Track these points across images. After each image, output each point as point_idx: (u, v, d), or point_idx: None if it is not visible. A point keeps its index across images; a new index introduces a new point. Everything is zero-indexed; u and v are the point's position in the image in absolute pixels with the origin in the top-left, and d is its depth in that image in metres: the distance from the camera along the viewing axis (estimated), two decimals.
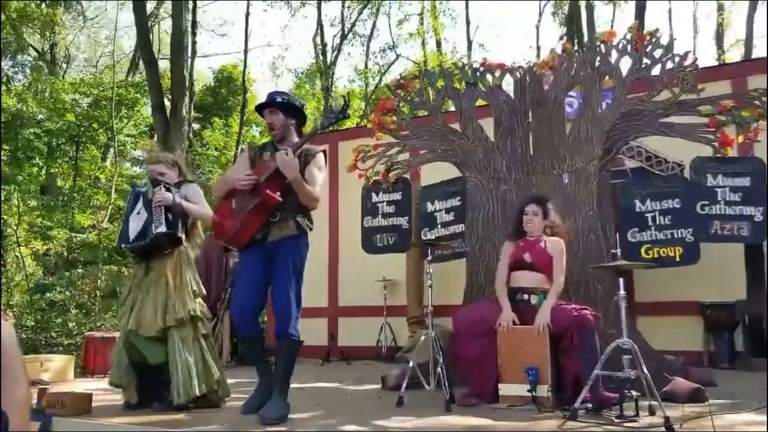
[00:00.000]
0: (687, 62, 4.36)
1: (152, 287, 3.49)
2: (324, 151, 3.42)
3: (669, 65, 4.41)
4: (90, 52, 22.06)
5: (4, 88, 16.20)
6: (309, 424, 3.06)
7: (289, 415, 3.17)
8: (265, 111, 3.39)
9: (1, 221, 13.45)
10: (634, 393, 2.98)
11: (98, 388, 4.22)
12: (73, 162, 16.29)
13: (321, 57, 19.52)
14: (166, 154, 3.93)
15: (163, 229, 3.45)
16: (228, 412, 3.43)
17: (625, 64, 4.56)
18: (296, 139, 3.37)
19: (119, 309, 3.65)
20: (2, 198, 13.61)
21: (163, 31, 19.39)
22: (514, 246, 3.78)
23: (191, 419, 3.19)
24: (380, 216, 5.53)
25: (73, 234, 13.92)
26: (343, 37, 19.79)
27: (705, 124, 4.37)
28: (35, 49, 19.35)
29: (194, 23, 15.23)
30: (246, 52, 17.71)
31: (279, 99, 3.42)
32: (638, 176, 5.67)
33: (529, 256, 3.67)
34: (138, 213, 3.56)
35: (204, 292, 3.70)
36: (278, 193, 3.18)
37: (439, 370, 3.63)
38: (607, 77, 4.66)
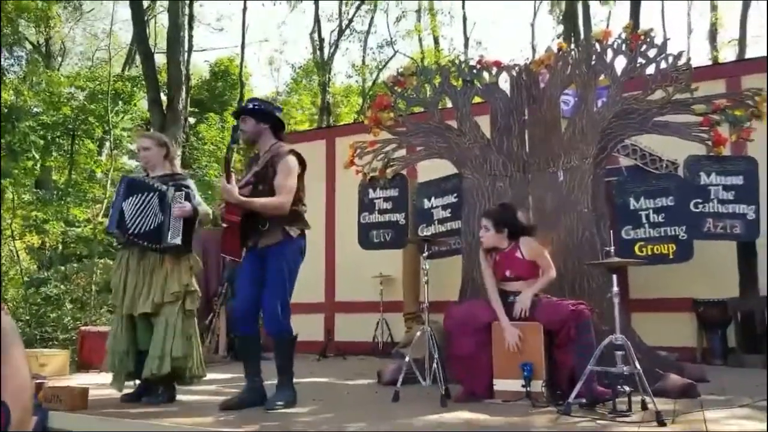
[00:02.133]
0: (681, 62, 4.40)
1: (150, 269, 3.56)
2: (292, 150, 3.47)
3: (663, 65, 4.44)
4: (86, 46, 21.95)
5: None
6: (305, 418, 3.08)
7: (285, 410, 3.22)
8: (241, 117, 3.53)
9: None
10: (626, 388, 3.02)
11: (94, 383, 4.24)
12: (69, 156, 16.24)
13: (318, 53, 19.49)
14: (156, 133, 4.01)
15: (178, 241, 3.54)
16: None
17: (620, 64, 4.59)
18: (272, 141, 3.52)
19: (114, 294, 3.66)
20: None
21: (159, 24, 19.31)
22: (491, 260, 3.72)
23: (187, 412, 3.21)
24: (377, 212, 5.54)
25: (68, 228, 13.88)
26: (341, 32, 19.75)
27: (699, 123, 4.41)
28: (30, 42, 19.23)
29: (191, 17, 15.17)
30: (243, 46, 17.68)
31: (250, 106, 3.56)
32: (633, 174, 5.71)
33: (511, 272, 3.64)
34: (155, 214, 3.55)
35: (201, 266, 3.78)
36: (236, 213, 3.30)
37: (434, 365, 3.66)
38: (602, 76, 4.69)
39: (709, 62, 15.76)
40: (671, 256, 4.69)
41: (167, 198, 3.57)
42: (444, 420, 2.99)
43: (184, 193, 3.62)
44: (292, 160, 3.39)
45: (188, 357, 3.55)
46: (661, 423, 2.73)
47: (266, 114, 3.53)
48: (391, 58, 20.73)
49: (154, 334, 3.48)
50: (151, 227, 3.54)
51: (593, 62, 4.65)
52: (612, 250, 3.36)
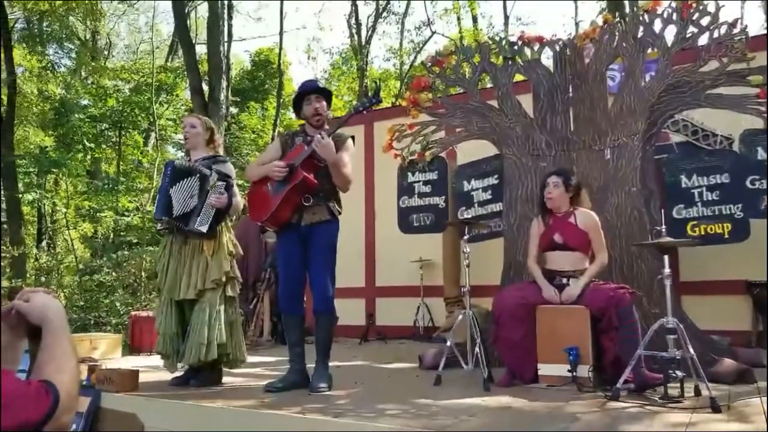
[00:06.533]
0: (736, 30, 4.14)
1: (190, 255, 3.61)
2: (352, 137, 3.54)
3: (716, 34, 4.19)
4: (130, 39, 22.54)
5: (50, 75, 16.73)
6: (347, 401, 3.09)
7: (328, 392, 3.24)
8: (314, 96, 3.50)
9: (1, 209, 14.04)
10: (679, 373, 2.90)
11: (145, 366, 4.38)
12: (117, 147, 16.78)
13: (356, 37, 19.42)
14: (206, 117, 4.10)
15: (204, 229, 3.56)
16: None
17: (670, 34, 4.36)
18: (326, 128, 3.54)
19: (159, 278, 3.74)
20: (47, 181, 14.05)
21: (200, 16, 19.62)
22: (543, 225, 3.67)
23: (232, 394, 3.27)
24: (416, 196, 5.50)
25: (119, 217, 14.38)
26: (378, 15, 19.61)
27: (755, 95, 4.15)
28: (78, 38, 19.86)
29: (230, 7, 15.32)
30: (281, 35, 17.76)
31: (324, 88, 3.59)
32: (684, 151, 5.46)
33: (559, 237, 3.56)
34: (192, 196, 3.60)
35: (240, 252, 3.83)
36: (312, 176, 3.32)
37: (477, 349, 3.61)
38: (650, 48, 4.47)
39: (766, 30, 14.92)
40: (726, 236, 4.50)
41: (207, 184, 3.61)
42: (487, 404, 2.94)
43: (225, 183, 3.64)
44: (351, 143, 3.52)
45: (230, 343, 3.60)
46: (716, 409, 2.61)
47: (330, 101, 3.62)
48: (428, 39, 20.50)
49: (197, 321, 3.52)
50: (187, 209, 3.60)
51: (641, 34, 4.44)
52: (663, 230, 3.22)
